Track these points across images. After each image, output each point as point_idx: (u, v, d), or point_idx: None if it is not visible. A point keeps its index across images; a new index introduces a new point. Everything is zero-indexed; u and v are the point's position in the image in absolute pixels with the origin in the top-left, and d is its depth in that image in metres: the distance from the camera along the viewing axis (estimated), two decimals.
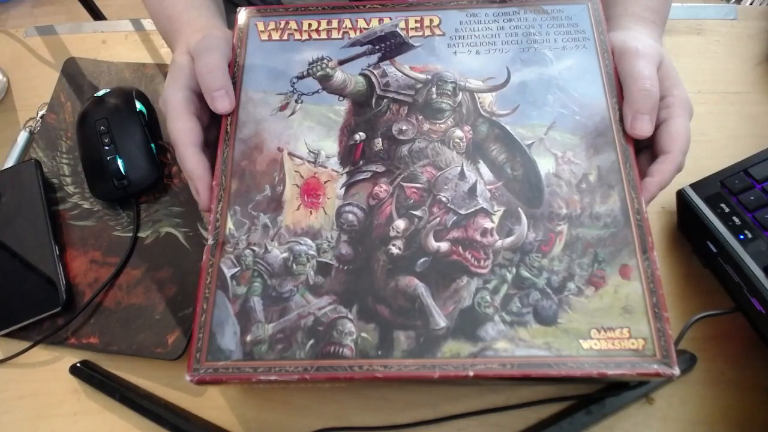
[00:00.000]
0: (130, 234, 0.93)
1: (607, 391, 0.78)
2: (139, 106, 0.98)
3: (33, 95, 1.12)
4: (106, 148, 0.93)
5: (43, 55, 1.18)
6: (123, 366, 0.85)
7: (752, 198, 0.79)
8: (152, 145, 0.96)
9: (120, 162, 0.92)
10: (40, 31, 1.22)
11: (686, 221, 0.86)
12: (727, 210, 0.80)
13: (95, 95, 0.99)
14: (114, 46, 1.17)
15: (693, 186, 0.84)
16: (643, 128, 0.74)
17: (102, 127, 0.94)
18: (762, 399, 0.79)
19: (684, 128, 0.75)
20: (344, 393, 0.82)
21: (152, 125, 1.00)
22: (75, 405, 0.84)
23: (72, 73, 1.12)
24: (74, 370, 0.85)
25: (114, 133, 0.94)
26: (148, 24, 1.19)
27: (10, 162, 1.03)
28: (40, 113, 1.08)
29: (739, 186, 0.81)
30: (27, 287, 0.89)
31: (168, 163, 0.99)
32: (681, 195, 0.84)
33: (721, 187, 0.82)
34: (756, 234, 0.77)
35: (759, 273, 0.75)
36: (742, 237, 0.77)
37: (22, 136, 1.05)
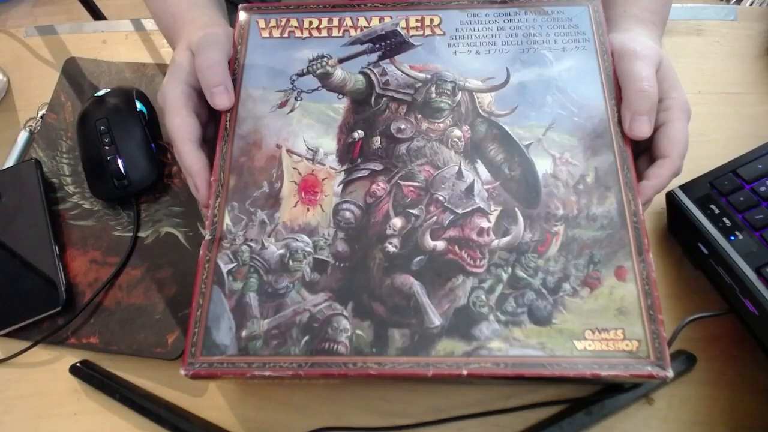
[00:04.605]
0: (130, 234, 0.93)
1: (606, 393, 0.78)
2: (139, 105, 0.98)
3: (33, 95, 1.12)
4: (106, 148, 0.93)
5: (43, 55, 1.18)
6: (123, 366, 0.85)
7: (742, 199, 0.79)
8: (152, 144, 0.96)
9: (120, 162, 0.92)
10: (41, 31, 1.22)
11: (676, 223, 0.85)
12: (717, 211, 0.80)
13: (95, 95, 0.99)
14: (114, 45, 1.18)
15: (682, 187, 0.84)
16: (641, 129, 0.74)
17: (102, 127, 0.94)
18: (762, 399, 0.78)
19: (682, 132, 0.75)
20: (344, 393, 0.82)
21: (152, 125, 1.00)
22: (75, 405, 0.84)
23: (72, 72, 1.12)
24: (74, 370, 0.85)
25: (114, 133, 0.94)
26: (149, 24, 1.20)
27: (10, 162, 1.03)
28: (41, 113, 1.08)
29: (729, 187, 0.81)
30: (27, 287, 0.89)
31: (168, 163, 0.99)
32: (671, 196, 0.84)
33: (711, 188, 0.82)
34: (746, 235, 0.77)
35: (751, 274, 0.74)
36: (732, 238, 0.77)
37: (22, 136, 1.05)
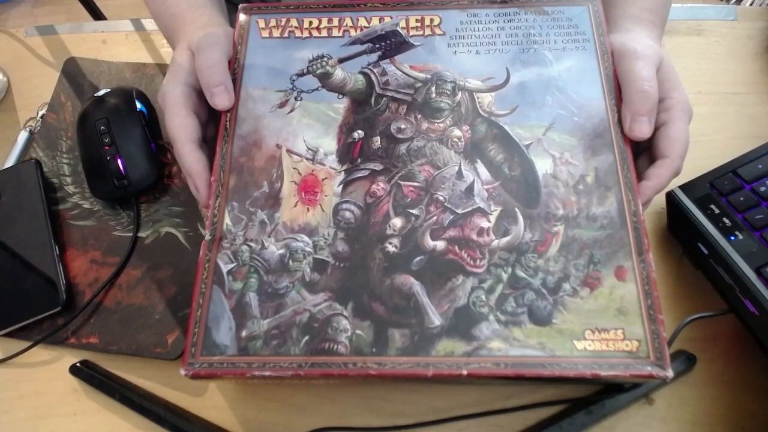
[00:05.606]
0: (130, 234, 0.93)
1: (606, 393, 0.78)
2: (139, 105, 0.98)
3: (33, 95, 1.12)
4: (106, 148, 0.93)
5: (43, 55, 1.18)
6: (123, 366, 0.85)
7: (742, 199, 0.79)
8: (152, 144, 0.96)
9: (120, 162, 0.92)
10: (41, 31, 1.22)
11: (676, 223, 0.85)
12: (717, 211, 0.80)
13: (95, 95, 0.99)
14: (114, 45, 1.18)
15: (682, 187, 0.84)
16: (641, 130, 0.74)
17: (102, 127, 0.94)
18: (762, 399, 0.78)
19: (683, 132, 0.75)
20: (344, 393, 0.82)
21: (152, 125, 1.00)
22: (75, 405, 0.84)
23: (72, 72, 1.12)
24: (74, 369, 0.85)
25: (114, 132, 0.94)
26: (149, 24, 1.20)
27: (10, 162, 1.03)
28: (41, 113, 1.08)
29: (729, 187, 0.81)
30: (27, 287, 0.89)
31: (168, 163, 0.99)
32: (671, 196, 0.84)
33: (711, 188, 0.82)
34: (746, 235, 0.77)
35: (751, 274, 0.74)
36: (732, 238, 0.77)
37: (22, 136, 1.06)
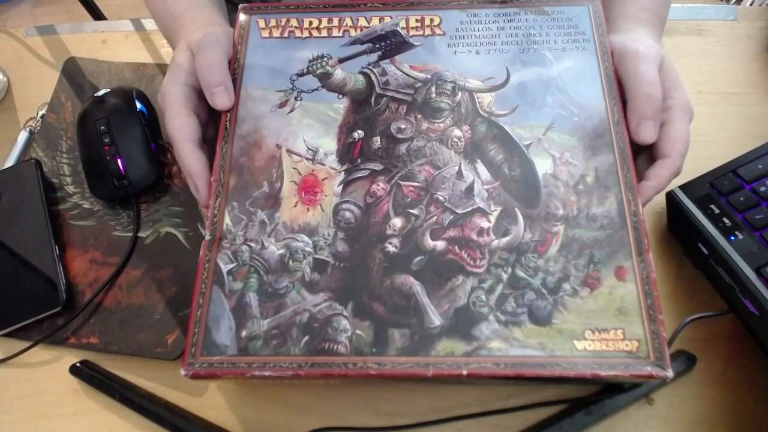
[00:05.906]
0: (130, 234, 0.93)
1: (606, 393, 0.78)
2: (139, 105, 0.98)
3: (33, 95, 1.12)
4: (106, 147, 0.93)
5: (43, 55, 1.18)
6: (123, 366, 0.85)
7: (742, 199, 0.79)
8: (152, 144, 0.96)
9: (120, 162, 0.92)
10: (41, 31, 1.22)
11: (676, 223, 0.85)
12: (717, 211, 0.80)
13: (95, 95, 0.99)
14: (114, 45, 1.18)
15: (682, 187, 0.84)
16: (647, 134, 0.74)
17: (102, 127, 0.94)
18: (762, 399, 0.78)
19: (683, 132, 0.75)
20: (344, 393, 0.82)
21: (152, 125, 1.00)
22: (75, 405, 0.84)
23: (72, 72, 1.12)
24: (74, 369, 0.84)
25: (114, 132, 0.94)
26: (149, 24, 1.20)
27: (10, 162, 1.03)
28: (40, 113, 1.08)
29: (729, 187, 0.81)
30: (27, 287, 0.89)
31: (168, 163, 0.99)
32: (671, 196, 0.84)
33: (711, 188, 0.82)
34: (746, 235, 0.77)
35: (751, 274, 0.74)
36: (732, 238, 0.77)
37: (22, 136, 1.05)
